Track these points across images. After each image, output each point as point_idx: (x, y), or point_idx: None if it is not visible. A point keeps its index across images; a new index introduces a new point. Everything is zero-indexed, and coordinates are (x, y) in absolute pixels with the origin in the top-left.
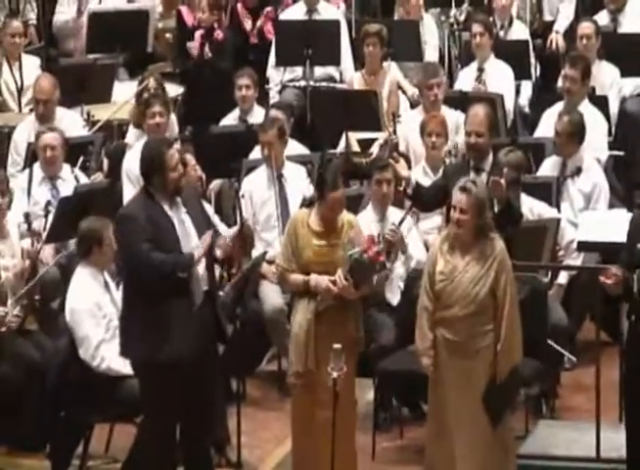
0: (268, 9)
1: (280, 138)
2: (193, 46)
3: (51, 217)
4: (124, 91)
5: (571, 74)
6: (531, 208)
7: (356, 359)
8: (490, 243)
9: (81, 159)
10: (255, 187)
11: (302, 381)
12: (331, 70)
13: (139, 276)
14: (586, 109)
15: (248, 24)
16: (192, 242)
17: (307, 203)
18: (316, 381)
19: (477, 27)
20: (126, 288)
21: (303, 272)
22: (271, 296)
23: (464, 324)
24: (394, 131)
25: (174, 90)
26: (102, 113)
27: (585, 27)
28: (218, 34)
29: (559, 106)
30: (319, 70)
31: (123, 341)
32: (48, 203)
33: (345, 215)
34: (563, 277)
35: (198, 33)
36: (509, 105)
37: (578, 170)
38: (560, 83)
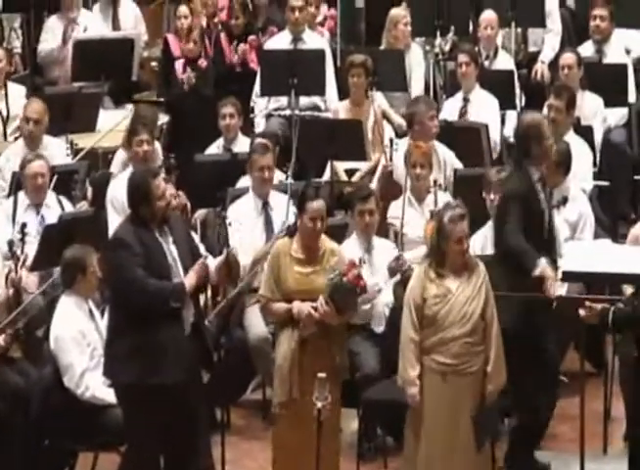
0: (252, 37)
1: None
2: (184, 76)
3: (29, 241)
4: (109, 119)
5: (556, 105)
6: None
7: (340, 388)
8: (476, 264)
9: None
10: (242, 215)
11: (287, 411)
12: (316, 100)
13: (132, 301)
14: (571, 139)
15: (231, 54)
16: (178, 270)
17: (289, 232)
18: (300, 410)
19: (463, 57)
20: (114, 312)
21: (287, 301)
22: (256, 324)
23: (460, 345)
24: (390, 158)
25: (160, 119)
26: (86, 141)
27: (567, 58)
28: (202, 63)
29: None
30: (304, 100)
31: (109, 364)
32: (23, 225)
33: (328, 243)
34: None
35: (179, 62)
36: (495, 135)
37: (564, 200)
38: (545, 113)
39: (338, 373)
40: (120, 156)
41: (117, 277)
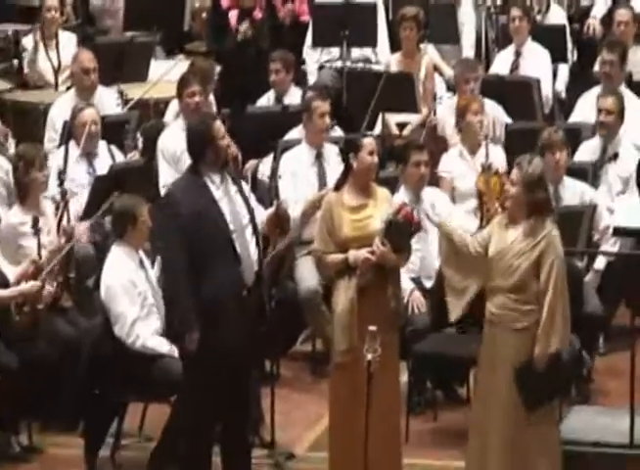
0: None
1: None
2: (240, 26)
3: (80, 192)
4: (161, 69)
5: (609, 59)
6: (582, 193)
7: (398, 336)
8: (542, 224)
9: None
10: (295, 165)
11: (348, 359)
12: (367, 52)
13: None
14: (624, 94)
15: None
16: (241, 216)
17: (337, 185)
18: (359, 360)
19: (515, 11)
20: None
21: (342, 252)
22: (306, 277)
23: (504, 297)
24: (434, 112)
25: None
26: (137, 91)
27: (623, 14)
28: (257, 14)
29: (595, 91)
30: (356, 52)
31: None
32: (60, 171)
33: (379, 189)
34: (599, 263)
35: (233, 13)
36: (547, 89)
37: (616, 155)
38: (596, 68)
39: (394, 320)
40: (174, 106)
41: (160, 241)
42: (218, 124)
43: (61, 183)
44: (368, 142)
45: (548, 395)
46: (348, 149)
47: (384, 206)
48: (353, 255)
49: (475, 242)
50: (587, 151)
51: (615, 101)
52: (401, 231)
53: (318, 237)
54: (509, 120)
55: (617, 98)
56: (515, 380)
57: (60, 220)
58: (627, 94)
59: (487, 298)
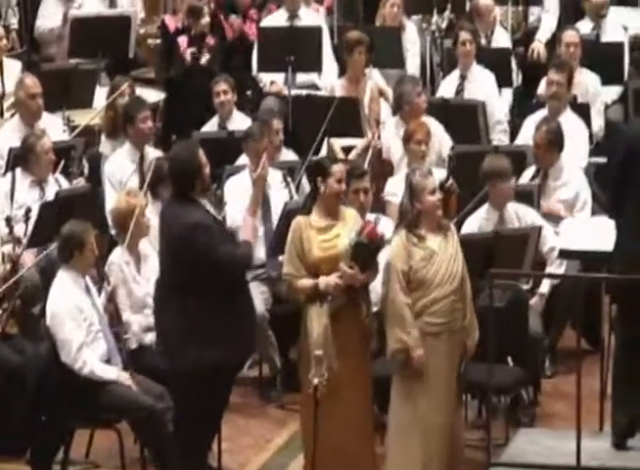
0: (252, 11)
1: None
2: (190, 52)
3: (32, 222)
4: (106, 96)
5: (556, 79)
6: (524, 214)
7: (369, 355)
8: (448, 224)
9: (62, 163)
10: (239, 191)
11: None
12: (313, 77)
13: (228, 275)
14: (568, 116)
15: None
16: None
17: (305, 208)
18: (336, 380)
19: (465, 35)
20: (191, 299)
21: (313, 275)
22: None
23: (450, 302)
24: (379, 137)
25: (156, 96)
26: (83, 118)
27: (571, 36)
28: (210, 40)
29: (540, 113)
30: (301, 77)
31: (188, 352)
32: (28, 209)
33: (346, 210)
34: (545, 286)
35: (183, 39)
36: (498, 112)
37: (560, 178)
38: (541, 91)
39: (368, 338)
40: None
41: (212, 259)
42: (202, 152)
43: (26, 220)
44: (337, 170)
45: None
46: (316, 173)
47: (351, 224)
48: (324, 281)
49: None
50: (532, 175)
51: (547, 131)
52: (367, 250)
53: (288, 261)
54: (449, 141)
55: (550, 128)
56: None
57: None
58: (571, 117)
59: (423, 312)
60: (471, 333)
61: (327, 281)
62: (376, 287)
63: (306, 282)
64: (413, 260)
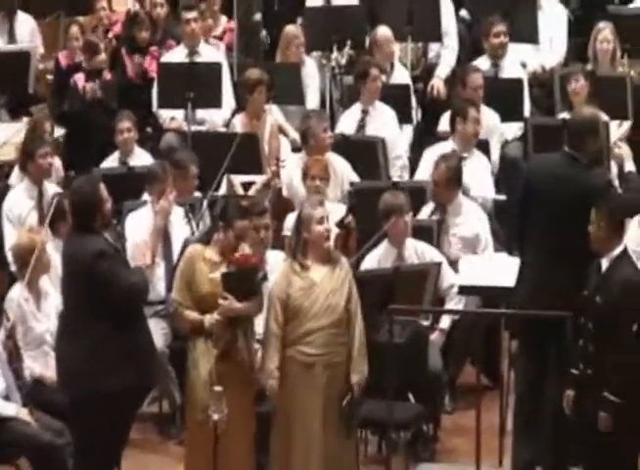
0: (153, 48)
1: None
2: (87, 85)
3: None
4: (5, 132)
5: (478, 117)
6: (422, 251)
7: (254, 395)
8: (339, 258)
9: None
10: (140, 227)
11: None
12: (212, 113)
13: (132, 303)
14: (473, 153)
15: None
16: None
17: (205, 239)
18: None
19: (375, 72)
20: (98, 323)
21: (199, 308)
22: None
23: (326, 335)
24: (278, 175)
25: (56, 132)
26: None
27: (477, 79)
28: (106, 75)
29: (439, 146)
30: (200, 113)
31: (94, 375)
32: None
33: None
34: (444, 322)
35: (79, 75)
36: (396, 147)
37: (459, 214)
38: (440, 127)
39: (250, 374)
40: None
41: (112, 287)
42: (102, 186)
43: None
44: (240, 226)
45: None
46: (224, 217)
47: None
48: (208, 320)
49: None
50: (430, 211)
51: (446, 169)
52: (236, 278)
53: (177, 289)
54: (356, 177)
55: (449, 165)
56: (343, 413)
57: None
58: (475, 153)
59: (298, 342)
60: (355, 369)
61: (210, 319)
62: None
63: (193, 315)
64: (292, 289)
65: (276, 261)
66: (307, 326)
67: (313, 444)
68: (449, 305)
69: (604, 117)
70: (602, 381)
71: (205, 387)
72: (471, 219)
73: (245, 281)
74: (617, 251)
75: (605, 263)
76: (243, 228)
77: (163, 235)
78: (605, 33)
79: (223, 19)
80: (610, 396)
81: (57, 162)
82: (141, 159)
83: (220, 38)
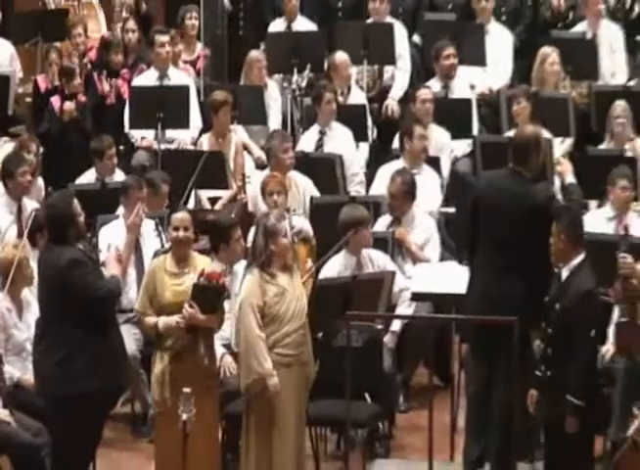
0: (124, 71)
1: None
2: (65, 107)
3: None
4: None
5: (426, 135)
6: (375, 258)
7: (217, 399)
8: (293, 264)
9: None
10: (113, 239)
11: (166, 419)
12: (181, 132)
13: (104, 308)
14: (423, 168)
15: (104, 89)
16: None
17: (165, 251)
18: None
19: (329, 95)
20: (72, 328)
21: (162, 315)
22: (126, 343)
23: (298, 336)
24: (243, 190)
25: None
26: None
27: (426, 94)
28: (81, 98)
29: (394, 164)
30: (170, 132)
31: (67, 378)
32: None
33: (199, 259)
34: (396, 325)
35: (55, 98)
36: (353, 164)
37: (413, 225)
38: (395, 145)
39: (209, 380)
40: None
41: (85, 293)
42: (76, 202)
43: None
44: (175, 218)
45: None
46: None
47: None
48: (163, 321)
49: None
50: (385, 223)
51: (402, 182)
52: (207, 293)
53: (139, 298)
54: (317, 193)
55: (405, 179)
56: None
57: None
58: (425, 169)
59: (276, 345)
60: (314, 365)
61: (166, 321)
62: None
63: (151, 320)
64: (267, 296)
65: (241, 268)
66: (285, 329)
67: (291, 438)
68: (401, 308)
69: (547, 134)
70: (561, 383)
71: (158, 384)
72: (422, 227)
73: (211, 297)
74: (576, 261)
75: (565, 273)
76: (178, 220)
77: (135, 246)
78: (553, 56)
79: (199, 45)
80: (573, 399)
81: (40, 181)
82: (117, 176)
83: (194, 63)
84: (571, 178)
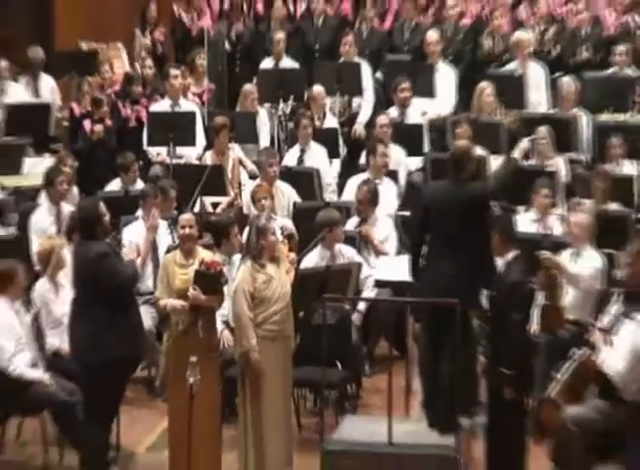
0: (143, 100)
1: None
2: (95, 128)
3: None
4: (31, 164)
5: (387, 152)
6: (345, 251)
7: (217, 365)
8: (279, 257)
9: None
10: (134, 236)
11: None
12: (189, 149)
13: (130, 288)
14: (384, 179)
15: (127, 114)
16: None
17: (174, 247)
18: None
19: (305, 121)
20: (101, 308)
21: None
22: (143, 320)
23: (282, 315)
24: (240, 197)
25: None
26: (12, 181)
27: (383, 119)
28: (107, 122)
29: (361, 175)
30: (180, 150)
31: (101, 348)
32: None
33: (204, 253)
34: (362, 306)
35: (87, 121)
36: (327, 176)
37: (375, 225)
38: (362, 161)
39: (210, 350)
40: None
41: (111, 280)
42: (102, 204)
43: None
44: (182, 218)
45: None
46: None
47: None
48: (170, 303)
49: (248, 306)
50: (353, 224)
51: (367, 190)
52: (206, 277)
53: (158, 288)
54: (298, 199)
55: (370, 188)
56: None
57: None
58: (385, 180)
59: (265, 322)
60: (294, 340)
61: (172, 303)
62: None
63: (161, 302)
64: (257, 283)
65: (237, 259)
66: (272, 309)
67: (278, 396)
68: (366, 292)
69: (483, 152)
70: (496, 356)
71: (167, 355)
72: (382, 226)
73: (211, 281)
74: (510, 256)
75: (501, 266)
76: (184, 220)
77: (152, 243)
78: (489, 90)
79: (206, 81)
80: (505, 370)
81: (74, 189)
82: (138, 185)
83: (200, 95)
84: None
